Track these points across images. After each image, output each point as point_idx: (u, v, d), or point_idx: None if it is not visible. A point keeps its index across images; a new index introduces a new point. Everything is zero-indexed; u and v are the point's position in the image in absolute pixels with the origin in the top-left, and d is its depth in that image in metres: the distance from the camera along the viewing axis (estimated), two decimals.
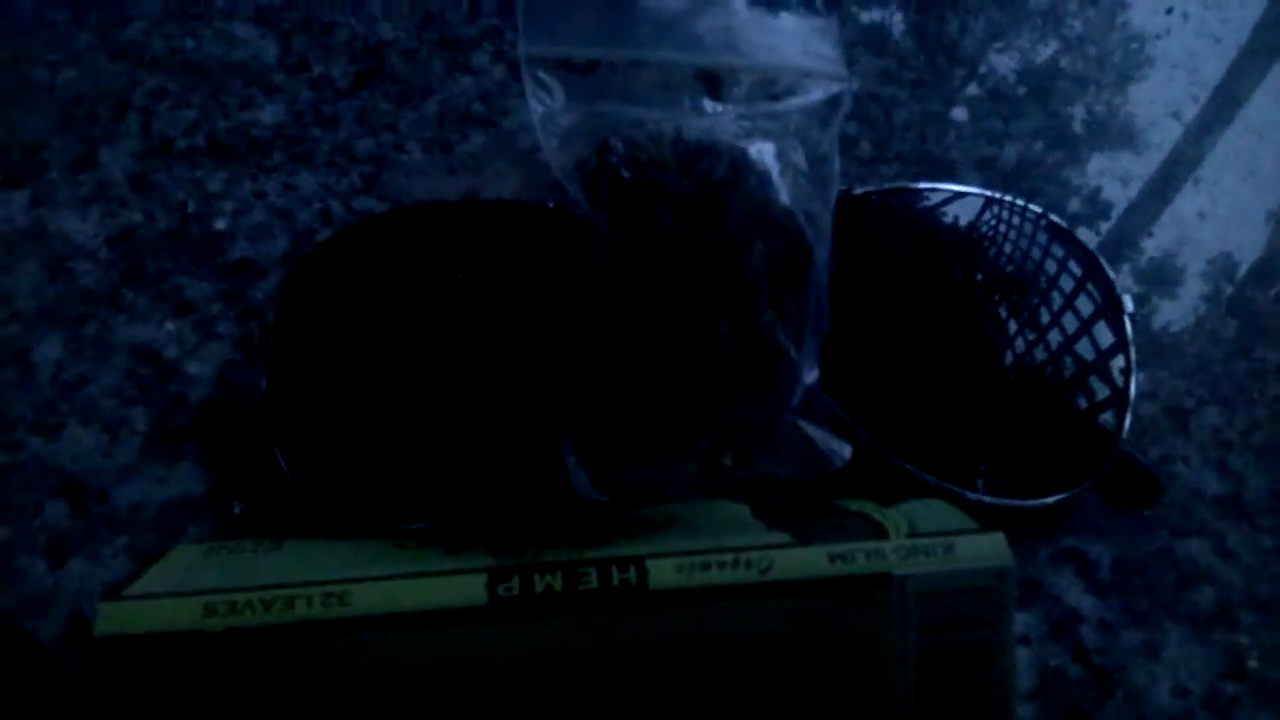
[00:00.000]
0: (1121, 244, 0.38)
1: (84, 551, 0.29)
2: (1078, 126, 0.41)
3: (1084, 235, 0.34)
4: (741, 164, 0.27)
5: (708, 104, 0.28)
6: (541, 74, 0.27)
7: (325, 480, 0.28)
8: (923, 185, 0.33)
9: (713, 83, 0.28)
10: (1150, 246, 0.38)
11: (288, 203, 0.34)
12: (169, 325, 0.32)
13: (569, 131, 0.27)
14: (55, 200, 0.34)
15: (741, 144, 0.27)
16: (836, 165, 0.28)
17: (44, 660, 0.25)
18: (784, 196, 0.27)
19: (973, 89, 0.41)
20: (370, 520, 0.28)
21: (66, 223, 0.34)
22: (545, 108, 0.27)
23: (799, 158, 0.27)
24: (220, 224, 0.34)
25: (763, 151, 0.27)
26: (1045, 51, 0.43)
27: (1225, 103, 0.44)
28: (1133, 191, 0.40)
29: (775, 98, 0.29)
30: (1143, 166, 0.40)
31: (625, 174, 0.26)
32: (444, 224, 0.30)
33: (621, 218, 0.26)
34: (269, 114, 0.36)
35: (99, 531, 0.29)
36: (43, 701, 0.24)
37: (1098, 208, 0.39)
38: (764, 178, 0.27)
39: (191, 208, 0.34)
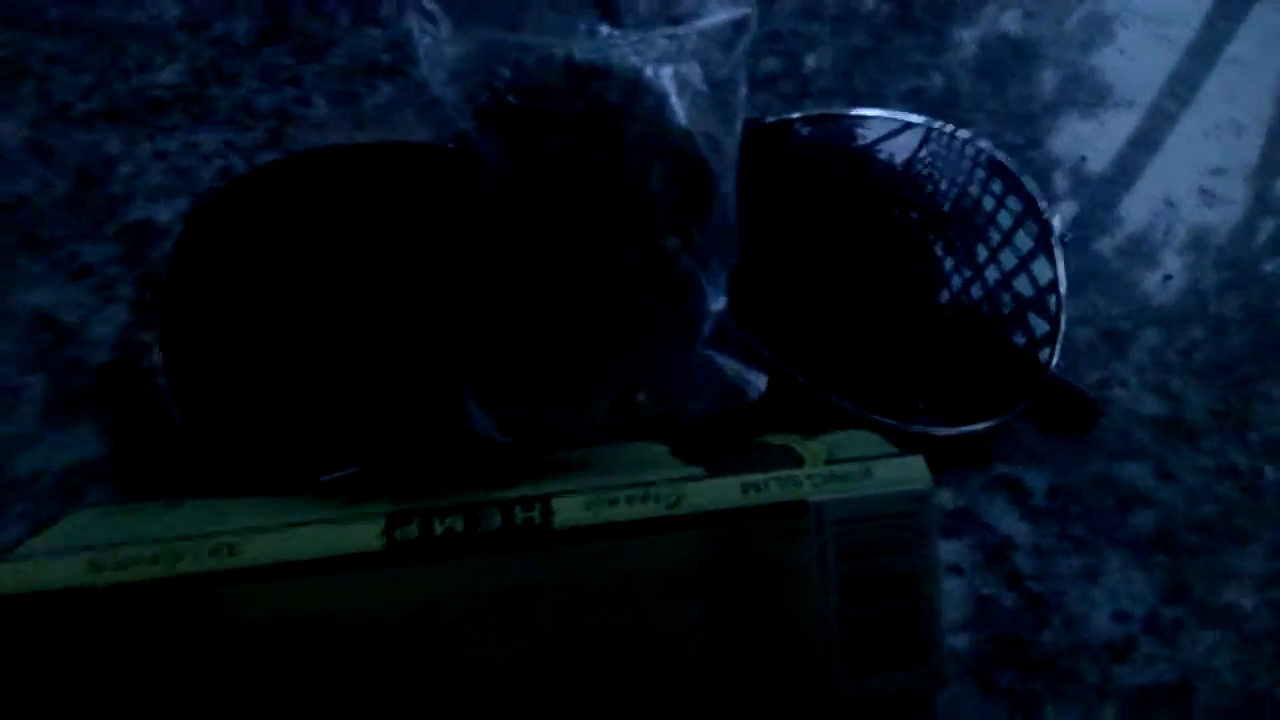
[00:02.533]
0: (1052, 169, 0.37)
1: None
2: (1010, 55, 0.40)
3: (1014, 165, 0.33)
4: (636, 86, 0.26)
5: (602, 28, 0.27)
6: (426, 2, 0.26)
7: (221, 430, 0.27)
8: (837, 111, 0.32)
9: (606, 5, 0.27)
10: (1090, 169, 0.37)
11: (188, 161, 0.33)
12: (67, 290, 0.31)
13: (458, 62, 0.26)
14: None
15: (636, 66, 0.26)
16: (743, 91, 0.27)
17: None
18: (682, 119, 0.26)
19: (897, 21, 0.40)
20: (268, 471, 0.27)
21: None
22: (431, 38, 0.26)
23: (698, 80, 0.26)
24: (118, 187, 0.33)
25: (660, 74, 0.26)
26: None
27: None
28: (1069, 119, 0.39)
29: (675, 21, 0.28)
30: (1080, 96, 0.40)
31: (512, 100, 0.25)
32: (337, 168, 0.29)
33: (512, 147, 0.25)
34: (169, 74, 0.35)
35: None
36: None
37: (1029, 138, 0.38)
38: (661, 100, 0.26)
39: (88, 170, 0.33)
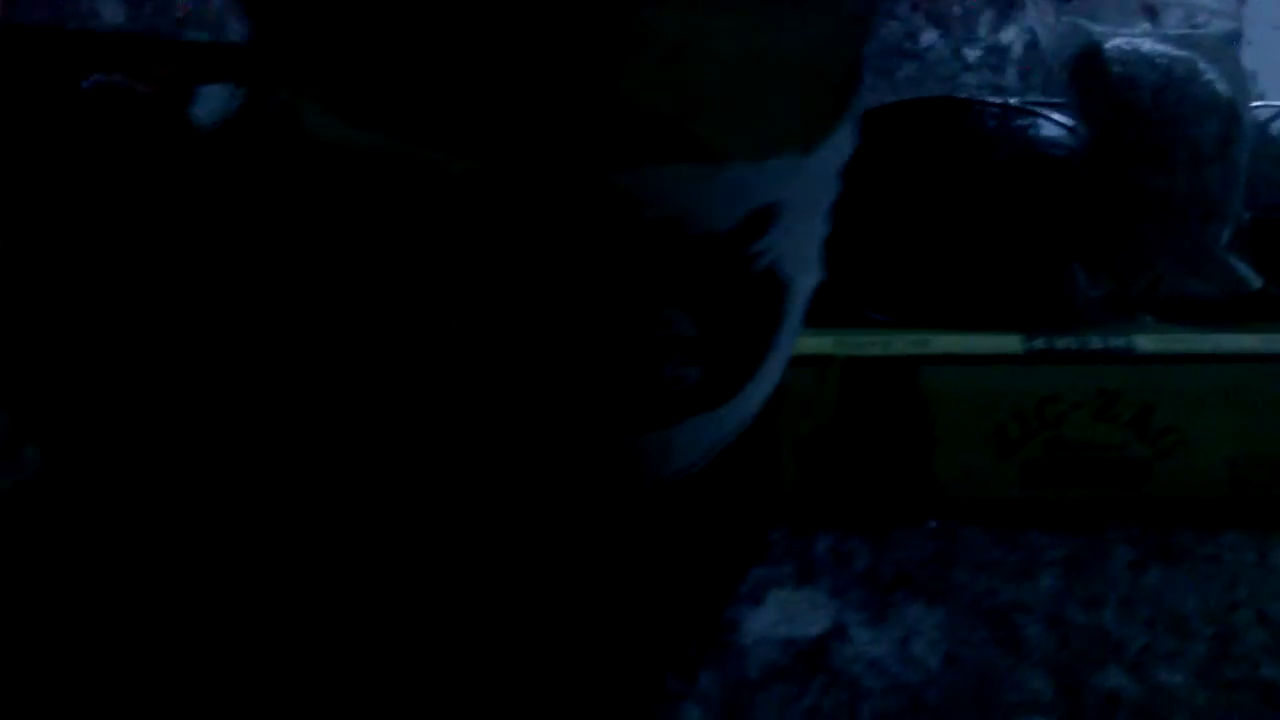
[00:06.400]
0: None
1: None
2: None
3: None
4: (1191, 67, 0.37)
5: (1149, 26, 0.39)
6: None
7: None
8: None
9: (1153, 12, 0.39)
10: None
11: None
12: None
13: (1058, 38, 0.38)
14: None
15: (1189, 54, 0.37)
16: (1245, 73, 0.38)
17: None
18: (1224, 89, 0.37)
19: None
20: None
21: None
22: (1042, 23, 0.38)
23: (1224, 66, 0.38)
24: None
25: (1197, 60, 0.38)
26: None
27: None
28: None
29: (1194, 27, 0.39)
30: None
31: (1115, 70, 0.37)
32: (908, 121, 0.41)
33: (1099, 106, 0.37)
34: None
35: None
36: None
37: None
38: (1205, 75, 0.37)
39: None
